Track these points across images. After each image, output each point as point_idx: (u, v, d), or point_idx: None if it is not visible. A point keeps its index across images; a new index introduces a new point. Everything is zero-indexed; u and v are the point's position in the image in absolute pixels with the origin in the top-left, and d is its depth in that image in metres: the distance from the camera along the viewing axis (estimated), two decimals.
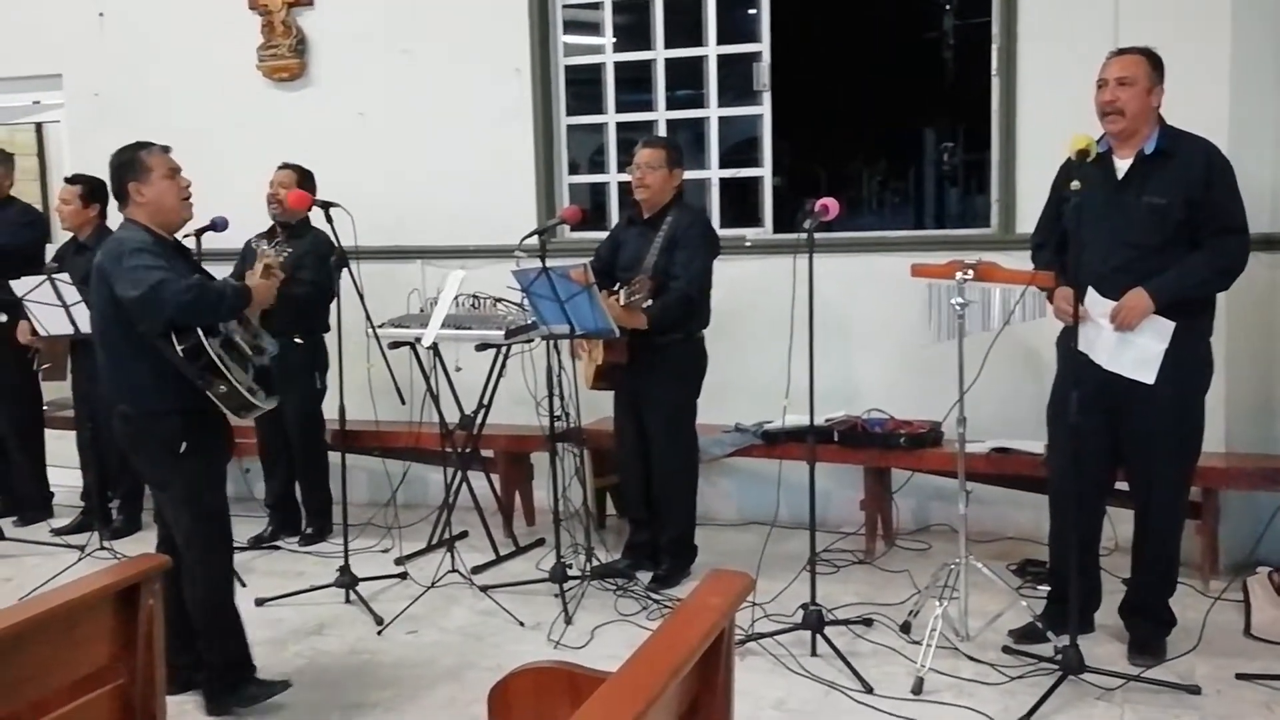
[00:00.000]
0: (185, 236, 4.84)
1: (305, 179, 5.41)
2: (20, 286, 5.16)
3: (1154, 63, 3.73)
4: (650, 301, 4.51)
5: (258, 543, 5.55)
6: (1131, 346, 3.68)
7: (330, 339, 5.28)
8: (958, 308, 3.90)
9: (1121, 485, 4.04)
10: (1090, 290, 3.69)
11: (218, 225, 4.88)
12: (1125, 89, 3.68)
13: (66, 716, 2.43)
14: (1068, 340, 3.76)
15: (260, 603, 4.69)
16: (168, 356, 3.55)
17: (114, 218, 4.94)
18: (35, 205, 6.30)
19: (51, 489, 6.14)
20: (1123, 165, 3.75)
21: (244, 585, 4.91)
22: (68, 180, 5.55)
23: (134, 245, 3.58)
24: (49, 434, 6.04)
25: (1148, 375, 3.67)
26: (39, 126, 7.07)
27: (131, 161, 3.71)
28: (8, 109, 6.97)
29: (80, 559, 5.17)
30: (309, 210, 4.86)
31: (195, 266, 3.90)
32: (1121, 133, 3.72)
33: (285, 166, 5.47)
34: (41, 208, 6.45)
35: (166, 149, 3.79)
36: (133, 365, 3.63)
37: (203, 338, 3.54)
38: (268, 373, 3.77)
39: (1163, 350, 3.65)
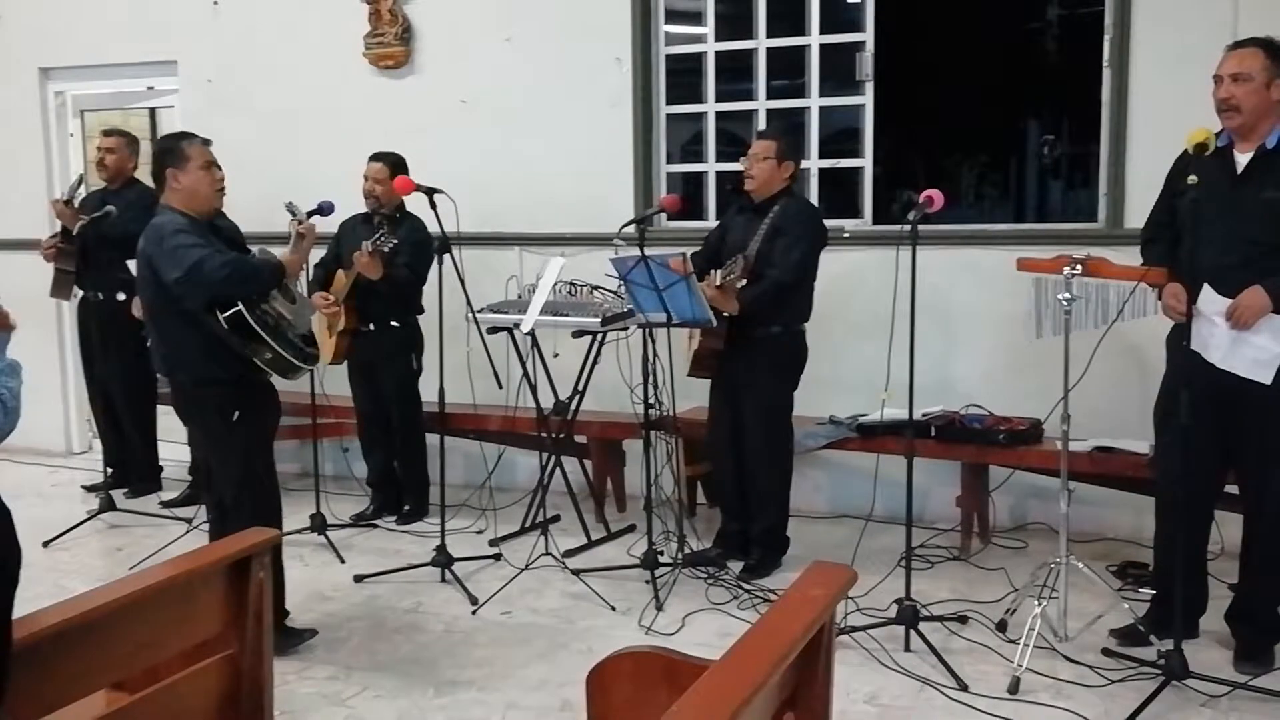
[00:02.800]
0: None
1: (398, 167, 5.47)
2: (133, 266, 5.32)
3: (1273, 54, 3.60)
4: (744, 282, 4.51)
5: (359, 520, 5.67)
6: (1247, 345, 3.57)
7: (431, 323, 5.35)
8: (1064, 303, 3.82)
9: (1230, 489, 3.93)
10: (1205, 287, 3.59)
11: (324, 210, 4.97)
12: (1240, 85, 3.56)
13: (179, 683, 2.52)
14: (1179, 338, 3.67)
15: (358, 579, 4.80)
16: (212, 329, 3.81)
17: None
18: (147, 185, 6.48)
19: (161, 462, 6.34)
20: (1243, 160, 3.63)
21: (343, 561, 5.06)
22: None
23: (174, 228, 3.83)
24: (160, 409, 6.22)
25: (1264, 375, 3.56)
26: (153, 111, 7.28)
27: (173, 149, 3.95)
28: (124, 94, 7.19)
29: (188, 531, 5.34)
30: (400, 195, 4.95)
31: (233, 244, 4.12)
32: (1239, 129, 3.60)
33: (376, 158, 5.53)
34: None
35: (207, 142, 4.01)
36: (184, 340, 3.90)
37: (243, 309, 3.81)
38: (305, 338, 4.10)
39: None
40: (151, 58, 6.80)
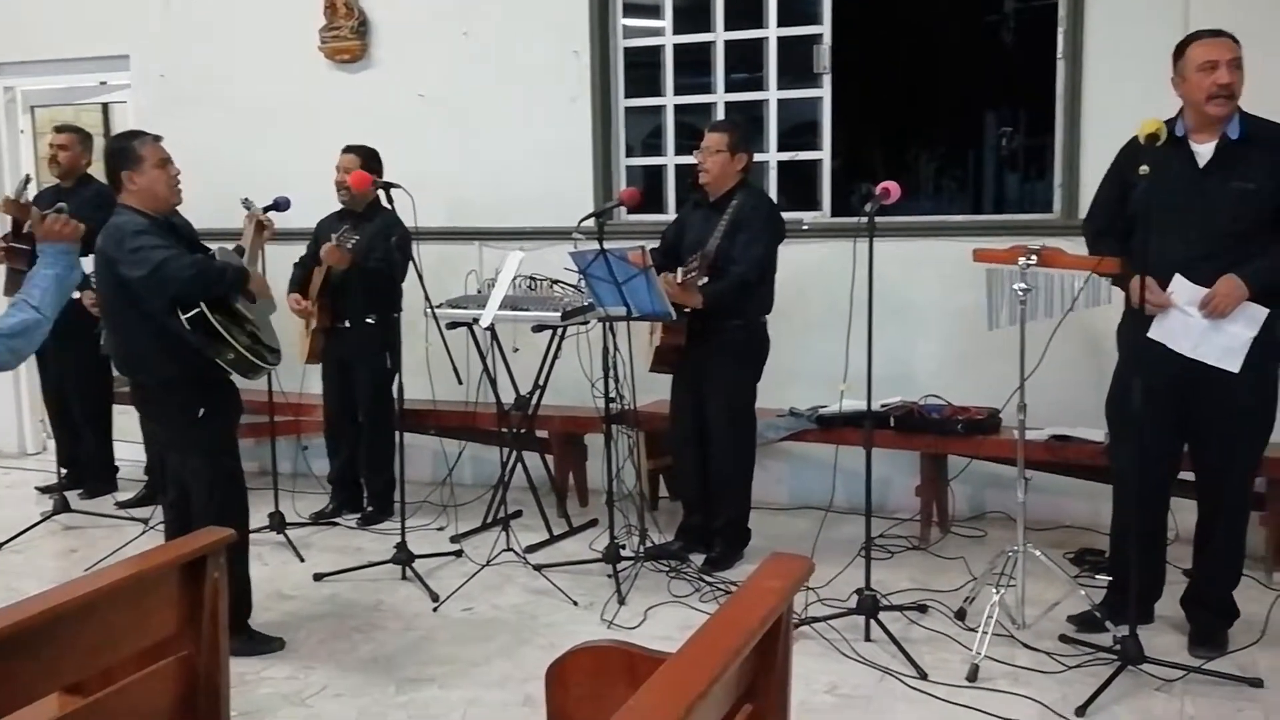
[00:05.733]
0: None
1: (371, 160, 5.43)
2: (89, 264, 5.24)
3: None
4: (706, 279, 4.51)
5: (319, 518, 5.62)
6: (1221, 334, 3.60)
7: (397, 319, 5.33)
8: (1020, 293, 3.85)
9: (1185, 475, 3.98)
10: (1177, 277, 3.63)
11: (280, 205, 4.92)
12: (1238, 72, 3.58)
13: (133, 685, 2.48)
14: (1131, 330, 3.72)
15: (318, 578, 4.77)
16: (174, 329, 3.80)
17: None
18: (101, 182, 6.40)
19: (117, 463, 6.26)
20: (1202, 150, 3.65)
21: (302, 560, 5.02)
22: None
23: (134, 228, 3.82)
24: (115, 408, 6.15)
25: (1233, 364, 3.60)
26: (105, 107, 7.19)
27: (125, 150, 3.93)
28: (75, 89, 7.09)
29: (144, 532, 5.28)
30: (372, 191, 4.90)
31: (188, 241, 4.09)
32: (1228, 116, 3.61)
33: (349, 150, 5.49)
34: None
35: (158, 139, 3.99)
36: (145, 340, 3.89)
37: (205, 309, 3.79)
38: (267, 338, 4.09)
39: (1251, 338, 3.58)
40: (103, 52, 6.71)
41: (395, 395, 4.84)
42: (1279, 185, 3.58)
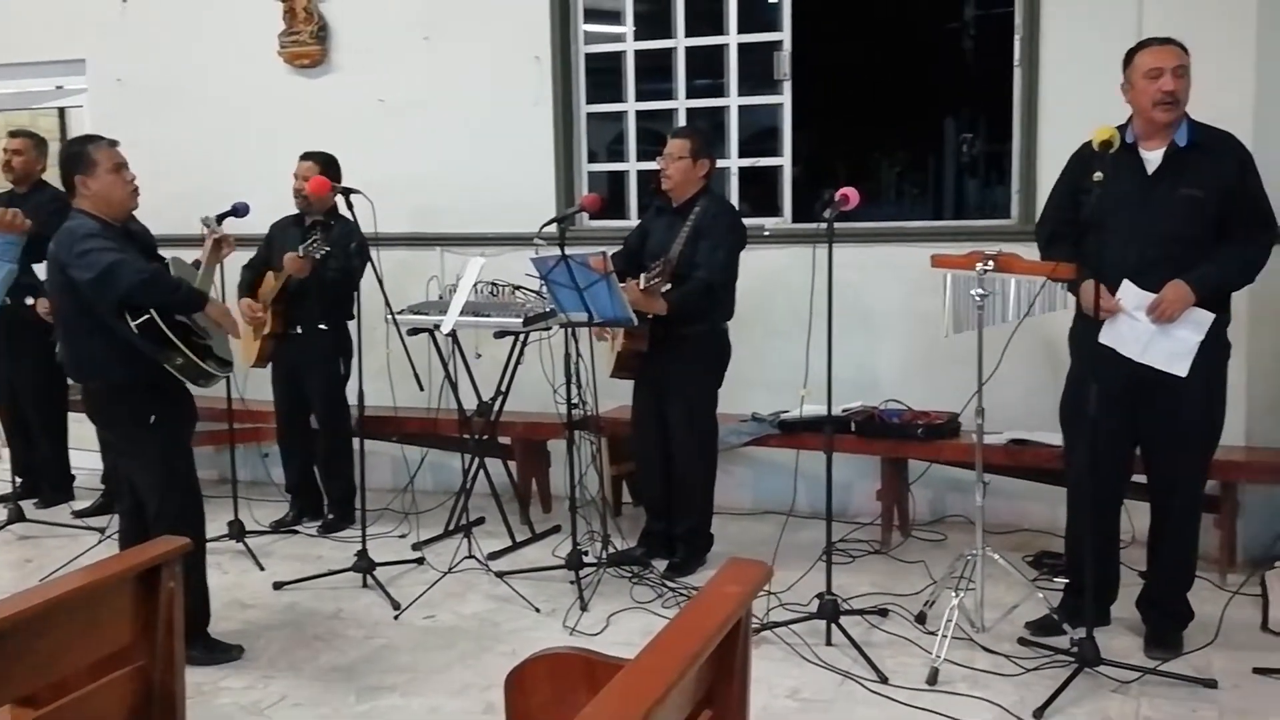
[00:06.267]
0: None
1: (329, 166, 5.39)
2: (44, 270, 5.18)
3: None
4: (669, 286, 4.52)
5: (279, 526, 5.58)
6: (1168, 339, 3.65)
7: (350, 325, 5.29)
8: (977, 299, 3.88)
9: (1138, 478, 4.03)
10: (1126, 283, 3.67)
11: (239, 211, 4.88)
12: (1182, 80, 3.63)
13: (87, 697, 2.45)
14: (1083, 335, 3.76)
15: (278, 586, 4.73)
16: (123, 334, 3.77)
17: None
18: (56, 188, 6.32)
19: (73, 471, 6.18)
20: (1151, 157, 3.69)
21: (262, 569, 4.98)
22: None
23: (85, 232, 3.78)
24: (70, 416, 6.07)
25: (1181, 368, 3.65)
26: (61, 111, 7.10)
27: (79, 155, 3.89)
28: (31, 94, 7.00)
29: (100, 541, 5.21)
30: (331, 197, 4.87)
31: (144, 248, 4.07)
32: (1174, 123, 3.66)
33: (306, 157, 5.46)
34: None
35: (114, 143, 3.94)
36: (96, 345, 3.85)
37: (155, 315, 3.77)
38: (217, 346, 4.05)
39: (1198, 342, 3.63)
40: (59, 56, 6.63)
41: (354, 402, 4.81)
42: (1225, 192, 3.64)
